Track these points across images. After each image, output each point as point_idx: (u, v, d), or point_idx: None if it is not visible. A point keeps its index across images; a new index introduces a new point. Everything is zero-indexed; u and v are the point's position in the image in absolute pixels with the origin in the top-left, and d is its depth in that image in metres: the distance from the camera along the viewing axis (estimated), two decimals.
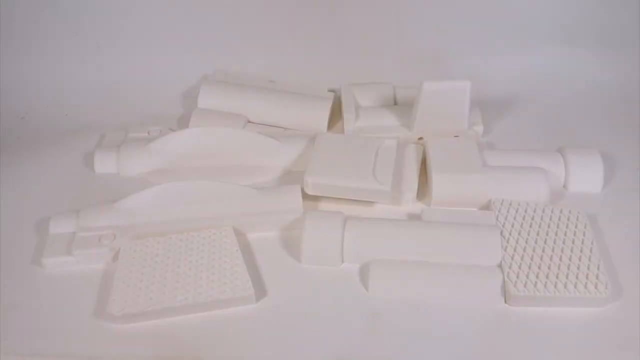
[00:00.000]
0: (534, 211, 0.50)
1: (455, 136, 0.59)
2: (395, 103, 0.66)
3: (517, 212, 0.50)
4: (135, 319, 0.43)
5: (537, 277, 0.44)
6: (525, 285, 0.43)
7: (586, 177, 0.54)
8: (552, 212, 0.50)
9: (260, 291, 0.46)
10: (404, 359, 0.41)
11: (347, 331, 0.43)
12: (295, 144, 0.58)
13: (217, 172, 0.57)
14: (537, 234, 0.48)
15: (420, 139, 0.60)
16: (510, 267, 0.45)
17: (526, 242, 0.47)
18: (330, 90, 0.67)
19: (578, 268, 0.44)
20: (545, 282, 0.43)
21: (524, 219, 0.49)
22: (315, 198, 0.53)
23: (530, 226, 0.48)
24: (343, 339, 0.42)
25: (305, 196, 0.52)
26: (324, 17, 0.71)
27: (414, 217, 0.52)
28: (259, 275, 0.47)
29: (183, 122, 0.66)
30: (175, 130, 0.61)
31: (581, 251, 0.46)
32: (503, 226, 0.48)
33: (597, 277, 0.44)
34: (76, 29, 0.71)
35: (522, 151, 0.57)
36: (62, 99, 0.69)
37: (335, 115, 0.66)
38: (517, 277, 0.44)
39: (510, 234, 0.48)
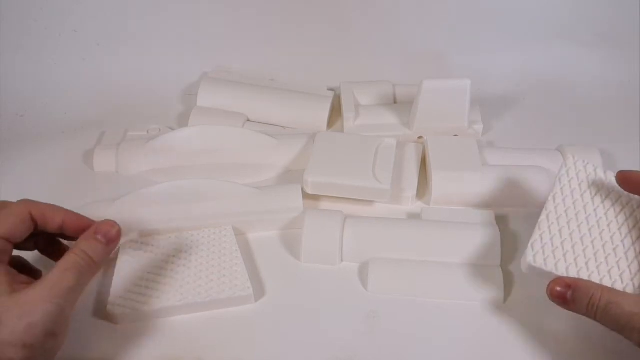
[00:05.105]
0: (608, 193, 0.43)
1: (455, 135, 0.59)
2: (395, 101, 0.66)
3: (589, 183, 0.43)
4: (134, 319, 0.43)
5: (564, 256, 0.39)
6: (545, 261, 0.39)
7: None
8: (620, 197, 0.42)
9: (260, 290, 0.46)
10: (403, 358, 0.41)
11: (346, 330, 0.43)
12: (295, 143, 0.58)
13: (217, 171, 0.56)
14: (597, 216, 0.41)
15: (420, 137, 0.60)
16: (542, 236, 0.40)
17: (578, 221, 0.41)
18: (330, 89, 0.67)
19: (611, 264, 0.39)
20: (568, 267, 0.39)
21: (593, 193, 0.42)
22: (316, 197, 0.53)
23: (595, 205, 0.42)
24: (343, 338, 0.42)
25: (305, 195, 0.52)
26: (323, 15, 0.70)
27: (413, 216, 0.52)
28: (258, 275, 0.47)
29: (182, 121, 0.66)
30: (175, 129, 0.61)
31: (626, 245, 0.40)
32: (562, 192, 0.42)
33: (632, 279, 0.38)
34: (75, 27, 0.70)
35: (522, 150, 0.57)
36: (61, 98, 0.69)
37: (335, 113, 0.66)
38: (543, 249, 0.39)
39: (565, 204, 0.42)
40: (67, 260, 0.36)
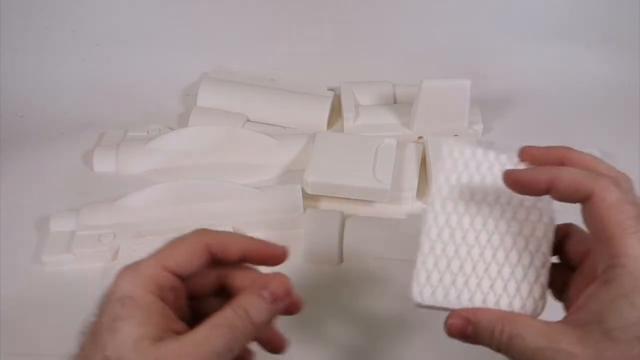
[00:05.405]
0: (492, 183, 0.34)
1: (455, 135, 0.59)
2: (395, 101, 0.66)
3: (469, 176, 0.34)
4: None
5: (454, 282, 0.32)
6: (433, 294, 0.32)
7: None
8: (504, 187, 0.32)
9: None
10: (403, 358, 0.41)
11: (346, 330, 0.43)
12: (295, 143, 0.58)
13: (217, 171, 0.56)
14: (482, 217, 0.33)
15: (420, 137, 0.60)
16: (424, 263, 0.32)
17: (463, 230, 0.33)
18: (330, 89, 0.67)
19: (506, 278, 0.32)
20: (459, 295, 0.32)
21: (474, 188, 0.34)
22: (316, 197, 0.53)
23: (477, 202, 0.34)
24: (342, 337, 0.42)
25: (305, 195, 0.52)
26: (323, 15, 0.70)
27: (413, 216, 0.52)
28: None
29: (182, 121, 0.66)
30: (175, 129, 0.61)
31: (519, 248, 0.32)
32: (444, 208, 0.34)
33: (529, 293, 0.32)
34: (75, 27, 0.70)
35: None
36: (61, 98, 0.69)
37: (335, 113, 0.66)
38: (428, 279, 0.32)
39: (445, 210, 0.33)
40: (222, 315, 0.30)
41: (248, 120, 0.64)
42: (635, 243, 0.27)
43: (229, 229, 0.49)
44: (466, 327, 0.31)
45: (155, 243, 0.47)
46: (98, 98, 0.69)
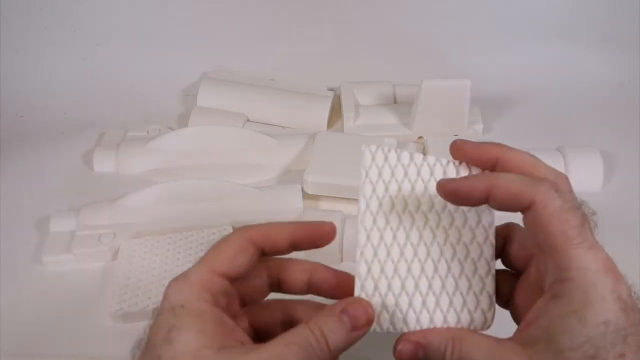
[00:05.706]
0: (422, 191, 0.31)
1: (455, 135, 0.59)
2: (395, 101, 0.66)
3: (397, 183, 0.31)
4: (134, 319, 0.43)
5: (397, 303, 0.30)
6: (377, 320, 0.30)
7: (586, 176, 0.54)
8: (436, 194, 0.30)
9: None
10: None
11: None
12: (295, 143, 0.58)
13: (217, 171, 0.56)
14: (418, 229, 0.31)
15: (420, 137, 0.60)
16: (363, 287, 0.30)
17: (399, 245, 0.31)
18: (330, 89, 0.67)
19: (451, 292, 0.30)
20: (405, 316, 0.30)
21: (405, 196, 0.31)
22: (316, 197, 0.53)
23: (411, 212, 0.31)
24: None
25: (305, 195, 0.52)
26: (323, 15, 0.70)
27: None
28: None
29: (182, 121, 0.66)
30: (175, 129, 0.61)
31: (460, 257, 0.31)
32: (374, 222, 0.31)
33: (476, 307, 0.30)
34: (75, 27, 0.70)
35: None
36: (60, 98, 0.69)
37: (335, 113, 0.66)
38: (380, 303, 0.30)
39: (377, 225, 0.31)
40: (297, 333, 0.27)
41: (248, 120, 0.64)
42: (581, 254, 0.26)
43: (228, 228, 0.49)
44: (416, 352, 0.29)
45: (156, 242, 0.47)
46: (98, 98, 0.69)
